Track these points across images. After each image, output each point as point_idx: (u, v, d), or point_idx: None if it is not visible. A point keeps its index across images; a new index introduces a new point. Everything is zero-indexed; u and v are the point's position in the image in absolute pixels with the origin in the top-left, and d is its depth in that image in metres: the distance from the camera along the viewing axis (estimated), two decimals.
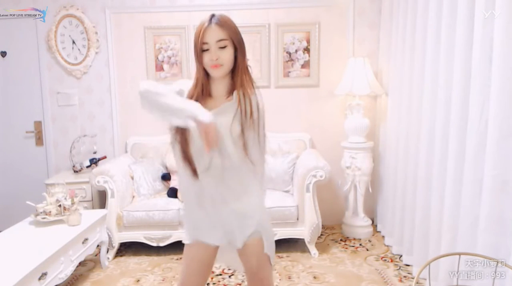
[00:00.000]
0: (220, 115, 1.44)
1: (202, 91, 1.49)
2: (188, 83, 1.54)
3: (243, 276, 2.90)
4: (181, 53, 3.89)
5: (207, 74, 1.49)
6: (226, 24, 1.45)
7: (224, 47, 1.44)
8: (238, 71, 1.49)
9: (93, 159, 3.80)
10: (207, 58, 1.44)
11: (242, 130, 1.46)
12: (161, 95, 1.41)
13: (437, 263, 2.34)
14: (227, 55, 1.45)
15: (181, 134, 1.46)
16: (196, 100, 1.45)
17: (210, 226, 1.56)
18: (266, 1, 3.83)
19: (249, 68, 1.53)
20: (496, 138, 1.87)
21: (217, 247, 1.62)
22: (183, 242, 1.66)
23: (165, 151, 3.73)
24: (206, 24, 1.44)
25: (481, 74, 2.00)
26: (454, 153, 2.26)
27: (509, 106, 1.83)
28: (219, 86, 1.51)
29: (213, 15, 1.47)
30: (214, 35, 1.43)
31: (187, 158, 1.47)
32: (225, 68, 1.47)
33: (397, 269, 3.00)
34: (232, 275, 2.94)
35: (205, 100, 1.49)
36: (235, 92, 1.48)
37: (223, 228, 1.56)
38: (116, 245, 3.25)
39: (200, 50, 1.44)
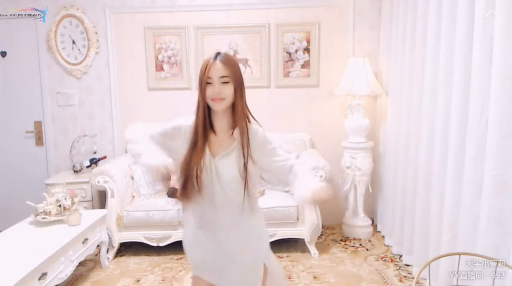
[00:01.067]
0: (225, 158, 1.56)
1: (205, 127, 1.56)
2: (188, 119, 1.60)
3: None
4: (181, 53, 3.89)
5: (209, 110, 1.56)
6: (229, 63, 1.53)
7: (226, 82, 1.52)
8: (236, 109, 1.56)
9: (93, 159, 3.80)
10: (209, 91, 1.52)
11: (244, 165, 1.55)
12: (133, 144, 1.66)
13: (437, 263, 2.34)
14: (228, 91, 1.53)
15: (190, 168, 1.54)
16: (201, 135, 1.55)
17: (210, 260, 1.65)
18: (266, 1, 3.83)
19: (246, 107, 1.61)
20: (496, 138, 1.87)
21: None
22: (193, 274, 1.73)
23: None
24: (211, 61, 1.53)
25: (481, 74, 2.00)
26: (454, 153, 2.26)
27: (509, 106, 1.83)
28: (221, 121, 1.58)
29: (218, 53, 1.56)
30: (218, 71, 1.51)
31: (199, 185, 1.54)
32: (226, 103, 1.53)
33: (397, 269, 3.00)
34: None
35: (209, 136, 1.57)
36: (236, 131, 1.57)
37: (221, 255, 1.63)
38: (116, 245, 3.25)
39: (205, 83, 1.53)
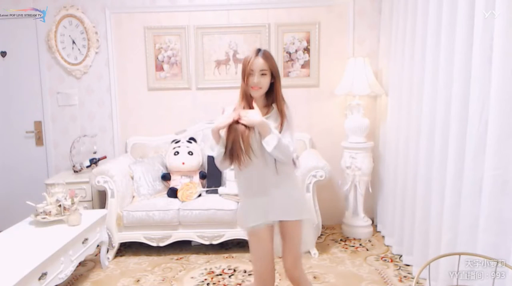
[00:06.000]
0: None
1: (244, 107, 1.93)
2: (231, 107, 2.00)
3: (243, 276, 2.90)
4: (181, 53, 3.89)
5: (248, 98, 1.94)
6: (268, 59, 1.91)
7: (265, 74, 1.90)
8: (275, 93, 1.96)
9: (93, 159, 3.80)
10: (251, 81, 1.90)
11: (280, 132, 1.93)
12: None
13: (437, 263, 2.34)
14: (266, 81, 1.91)
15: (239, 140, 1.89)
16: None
17: (260, 209, 1.95)
18: (266, 1, 3.83)
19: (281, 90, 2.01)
20: (496, 138, 1.87)
21: (271, 227, 1.99)
22: (249, 226, 1.97)
23: (165, 151, 3.73)
24: (253, 56, 1.90)
25: (481, 74, 2.00)
26: (454, 153, 2.26)
27: (509, 106, 1.83)
28: (258, 101, 1.96)
29: (259, 50, 1.92)
30: (259, 65, 1.89)
31: (248, 153, 1.89)
32: (263, 90, 1.93)
33: (397, 269, 3.00)
34: (232, 275, 2.94)
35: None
36: (274, 106, 1.98)
37: (269, 208, 1.95)
38: (116, 245, 3.25)
39: (248, 74, 1.90)
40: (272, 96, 1.97)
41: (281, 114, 1.96)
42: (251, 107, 1.91)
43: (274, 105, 1.98)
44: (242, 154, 1.88)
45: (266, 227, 1.95)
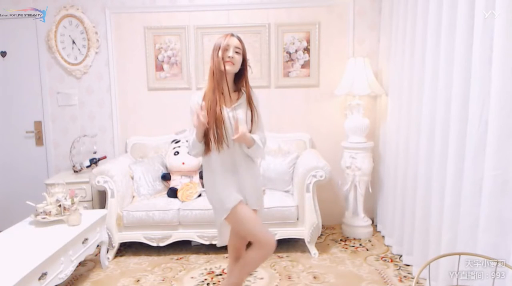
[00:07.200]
0: (237, 108, 2.08)
1: (215, 89, 2.02)
2: (200, 92, 2.11)
3: None
4: (181, 53, 3.89)
5: (219, 77, 2.03)
6: (241, 41, 2.07)
7: (238, 53, 2.03)
8: (243, 76, 2.10)
9: (93, 159, 3.80)
10: (226, 55, 2.00)
11: (251, 117, 2.10)
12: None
13: (437, 263, 2.34)
14: (239, 59, 2.04)
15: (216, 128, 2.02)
16: (213, 96, 2.03)
17: (235, 188, 2.10)
18: (266, 1, 3.83)
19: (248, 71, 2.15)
20: (496, 138, 1.87)
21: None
22: (229, 207, 2.06)
23: (165, 151, 3.73)
24: (229, 35, 2.05)
25: (481, 74, 2.00)
26: (454, 153, 2.26)
27: (509, 106, 1.83)
28: (228, 83, 2.05)
29: (232, 33, 2.07)
30: (234, 43, 2.04)
31: (221, 138, 2.02)
32: (236, 67, 2.04)
33: (397, 269, 3.00)
34: None
35: (219, 96, 2.03)
36: (243, 91, 2.11)
37: (240, 188, 2.12)
38: (116, 245, 3.25)
39: (224, 49, 2.00)
40: (241, 81, 2.10)
41: (250, 102, 2.09)
42: (220, 92, 2.02)
43: (243, 90, 2.11)
44: (223, 136, 2.02)
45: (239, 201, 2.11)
